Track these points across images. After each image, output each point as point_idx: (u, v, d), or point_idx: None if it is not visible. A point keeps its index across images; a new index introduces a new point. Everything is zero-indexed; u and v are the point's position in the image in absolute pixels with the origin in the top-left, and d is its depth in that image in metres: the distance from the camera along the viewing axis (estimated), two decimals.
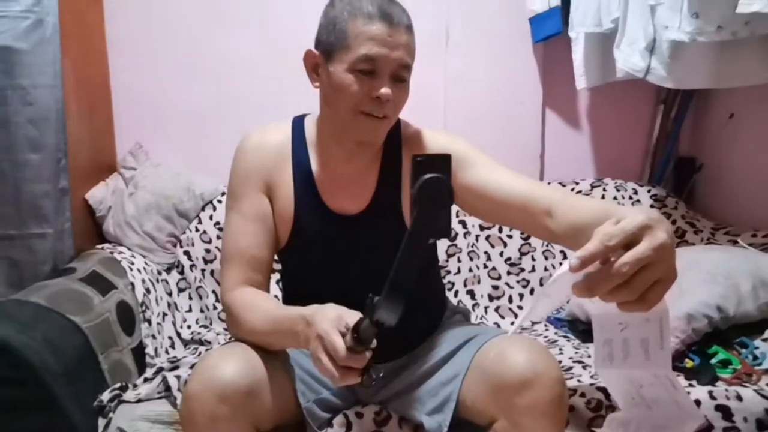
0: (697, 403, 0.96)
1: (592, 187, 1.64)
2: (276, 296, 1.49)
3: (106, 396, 1.07)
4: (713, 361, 1.07)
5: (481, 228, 1.59)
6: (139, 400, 1.08)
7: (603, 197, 1.61)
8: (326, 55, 0.87)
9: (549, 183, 1.66)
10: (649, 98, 1.72)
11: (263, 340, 0.87)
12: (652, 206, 1.58)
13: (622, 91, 1.66)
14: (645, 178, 1.72)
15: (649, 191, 1.62)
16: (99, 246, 1.50)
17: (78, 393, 1.01)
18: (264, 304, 0.89)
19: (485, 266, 1.57)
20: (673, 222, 1.56)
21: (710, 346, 1.10)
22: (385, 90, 0.83)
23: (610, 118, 1.73)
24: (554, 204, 0.80)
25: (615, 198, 1.61)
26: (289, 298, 1.05)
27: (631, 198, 1.61)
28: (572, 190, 1.63)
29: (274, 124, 0.99)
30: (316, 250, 0.96)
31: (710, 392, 0.98)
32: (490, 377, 0.82)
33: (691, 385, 1.03)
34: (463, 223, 1.59)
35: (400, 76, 0.86)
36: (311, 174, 0.95)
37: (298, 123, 0.98)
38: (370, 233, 0.93)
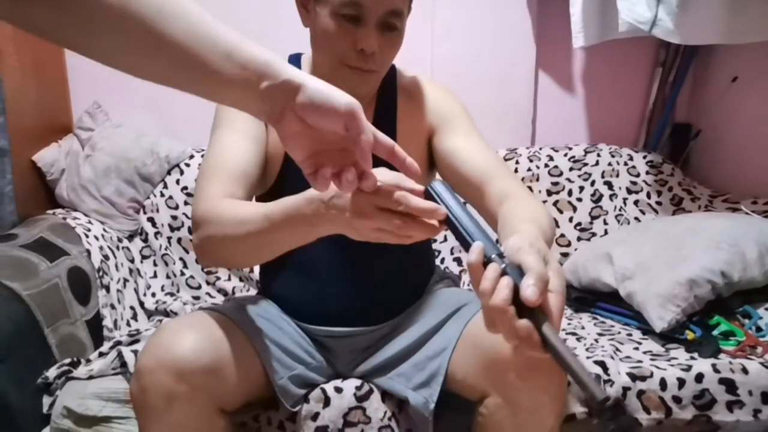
0: (700, 376, 0.92)
1: (586, 152, 1.56)
2: None
3: (52, 372, 0.97)
4: (715, 332, 1.02)
5: None
6: (91, 377, 0.97)
7: (597, 163, 1.54)
8: None
9: (541, 148, 1.57)
10: (646, 61, 1.63)
11: (253, 243, 0.69)
12: (647, 173, 1.52)
13: (619, 53, 1.58)
14: (640, 144, 1.65)
15: (644, 157, 1.55)
16: (50, 211, 1.37)
17: (14, 370, 0.90)
18: (252, 207, 0.72)
19: None
20: (670, 189, 1.50)
21: (712, 317, 1.04)
22: (369, 43, 0.76)
23: (605, 82, 1.64)
24: (505, 200, 0.78)
25: (609, 164, 1.53)
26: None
27: (626, 164, 1.54)
28: (565, 156, 1.55)
29: None
30: None
31: (713, 365, 0.94)
32: (483, 350, 0.75)
33: (692, 358, 0.98)
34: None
35: (389, 24, 0.77)
36: None
37: (294, 62, 0.90)
38: None
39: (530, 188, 1.49)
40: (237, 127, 0.83)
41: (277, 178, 0.88)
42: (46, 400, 0.95)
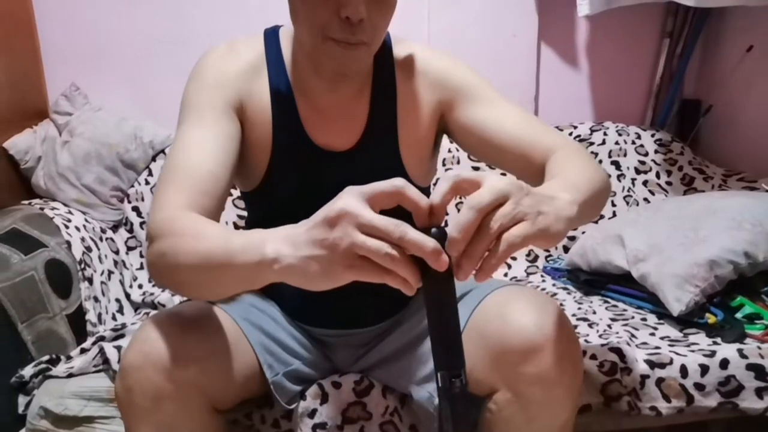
0: (725, 362, 0.87)
1: (592, 131, 1.50)
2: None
3: (28, 371, 0.91)
4: (739, 315, 0.96)
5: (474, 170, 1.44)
6: (71, 375, 0.91)
7: (604, 142, 1.48)
8: None
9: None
10: (653, 31, 1.57)
11: (206, 278, 0.58)
12: (656, 152, 1.46)
13: (625, 23, 1.52)
14: (647, 121, 1.59)
15: (652, 135, 1.49)
16: (26, 202, 1.29)
17: None
18: (213, 230, 0.59)
19: None
20: (680, 168, 1.45)
21: (734, 298, 0.98)
22: (354, 8, 0.64)
23: (610, 54, 1.58)
24: (552, 153, 0.73)
25: (617, 143, 1.47)
26: None
27: (634, 143, 1.48)
28: (570, 134, 1.49)
29: (242, 39, 0.79)
30: (294, 191, 0.79)
31: (740, 350, 0.89)
32: (491, 342, 0.68)
33: (715, 343, 0.93)
34: (443, 162, 1.43)
35: None
36: (293, 100, 0.76)
37: (271, 38, 0.79)
38: (362, 172, 0.73)
39: None
40: (205, 121, 0.72)
41: (266, 173, 0.78)
42: (22, 400, 0.89)
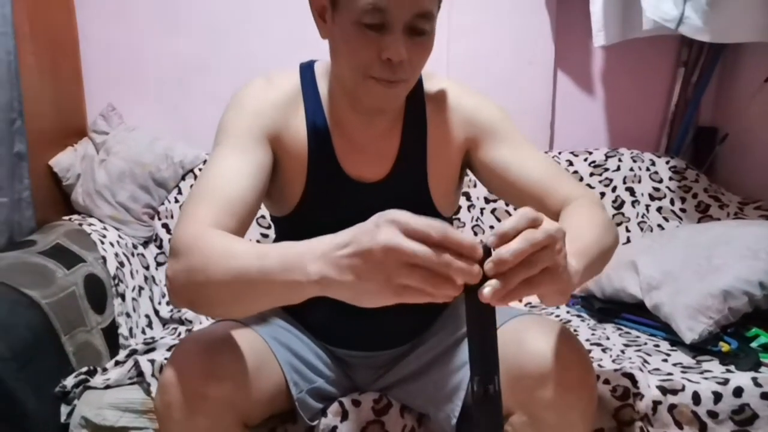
0: (739, 390, 0.89)
1: (607, 157, 1.53)
2: None
3: (70, 381, 0.96)
4: (754, 344, 0.97)
5: (486, 201, 1.49)
6: (108, 386, 0.96)
7: (618, 168, 1.50)
8: (332, 0, 0.71)
9: (560, 153, 1.55)
10: (668, 60, 1.60)
11: (238, 287, 0.58)
12: (671, 179, 1.48)
13: (640, 53, 1.55)
14: (662, 149, 1.62)
15: (667, 162, 1.51)
16: (66, 217, 1.36)
17: (32, 378, 0.89)
18: (244, 247, 0.60)
19: None
20: (695, 195, 1.46)
21: (749, 329, 1.00)
22: (396, 51, 0.68)
23: (625, 83, 1.61)
24: (569, 202, 0.76)
25: (631, 169, 1.50)
26: None
27: (648, 170, 1.50)
28: (585, 160, 1.52)
29: (278, 72, 0.83)
30: (326, 218, 0.82)
31: (754, 379, 0.90)
32: (508, 367, 0.71)
33: (728, 371, 0.94)
34: (467, 196, 1.48)
35: (418, 29, 0.70)
36: (328, 133, 0.81)
37: (307, 73, 0.83)
38: (391, 202, 0.79)
39: None
40: (240, 147, 0.74)
41: (299, 201, 0.82)
42: (64, 409, 0.94)
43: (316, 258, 0.52)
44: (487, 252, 0.50)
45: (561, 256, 0.53)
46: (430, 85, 0.84)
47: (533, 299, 1.37)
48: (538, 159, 0.82)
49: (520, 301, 1.37)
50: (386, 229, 0.48)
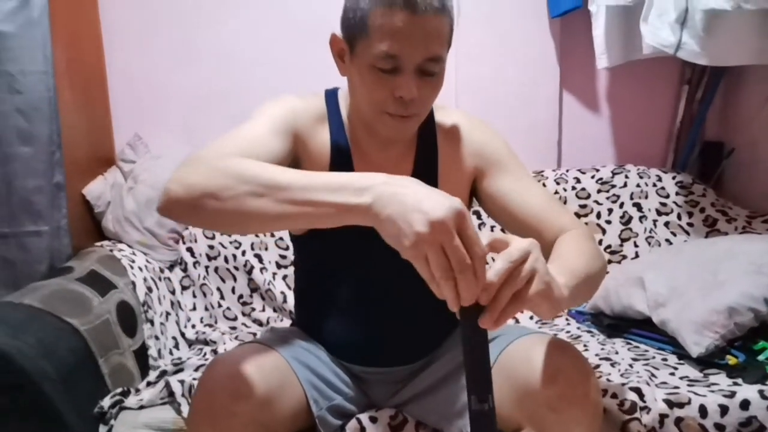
0: (746, 403, 0.90)
1: (614, 174, 1.56)
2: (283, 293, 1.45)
3: (107, 402, 1.02)
4: (761, 357, 0.99)
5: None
6: (142, 407, 1.02)
7: (625, 185, 1.53)
8: (350, 45, 0.79)
9: (567, 170, 1.58)
10: (672, 78, 1.63)
11: (264, 198, 0.60)
12: (677, 194, 1.50)
13: (644, 71, 1.58)
14: (668, 164, 1.64)
15: (674, 178, 1.53)
16: (98, 243, 1.44)
17: (76, 399, 0.95)
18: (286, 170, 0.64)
19: None
20: (702, 210, 1.48)
21: (756, 342, 1.02)
22: (408, 90, 0.75)
23: (631, 101, 1.65)
24: (563, 233, 0.82)
25: (638, 185, 1.53)
26: (304, 293, 0.99)
27: (655, 185, 1.53)
28: (592, 177, 1.55)
29: (305, 95, 0.90)
30: (343, 236, 0.86)
31: (761, 392, 0.91)
32: (516, 382, 0.76)
33: (735, 384, 0.96)
34: (477, 214, 1.52)
35: (428, 71, 0.76)
36: (349, 152, 0.87)
37: (331, 98, 0.90)
38: None
39: None
40: (271, 125, 0.79)
41: None
42: (102, 429, 1.00)
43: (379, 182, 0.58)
44: None
45: (539, 263, 0.59)
46: (441, 117, 0.91)
47: None
48: (538, 193, 0.88)
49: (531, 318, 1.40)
50: (451, 211, 0.54)
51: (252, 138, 0.75)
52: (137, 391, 1.09)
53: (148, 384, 1.11)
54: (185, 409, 0.99)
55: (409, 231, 0.54)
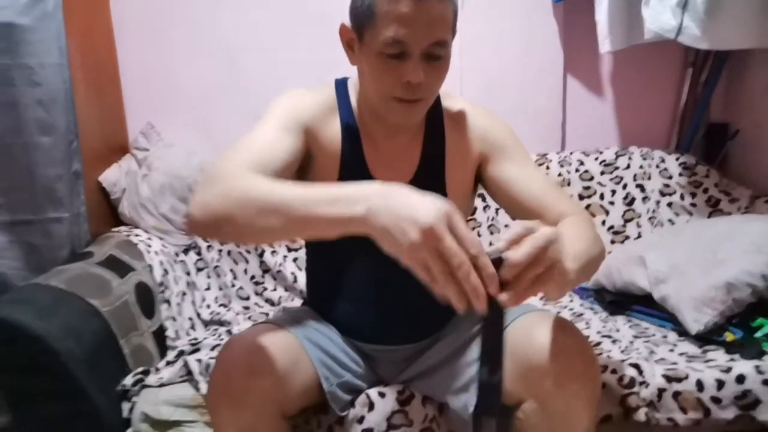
0: (741, 377, 0.93)
1: (617, 156, 1.57)
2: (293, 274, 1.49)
3: (129, 380, 1.07)
4: (758, 334, 1.01)
5: None
6: (162, 385, 1.07)
7: (628, 166, 1.55)
8: (358, 34, 0.81)
9: (571, 153, 1.60)
10: (676, 61, 1.63)
11: (272, 216, 0.64)
12: (680, 174, 1.52)
13: (648, 54, 1.58)
14: (672, 146, 1.65)
15: (677, 159, 1.54)
16: (115, 229, 1.49)
17: (100, 378, 1.00)
18: (289, 186, 0.68)
19: None
20: (705, 190, 1.48)
21: (754, 319, 1.04)
22: (415, 75, 0.78)
23: (635, 84, 1.65)
24: (564, 218, 0.84)
25: (641, 167, 1.54)
26: (315, 274, 1.02)
27: (658, 167, 1.54)
28: (596, 159, 1.57)
29: (315, 86, 0.93)
30: None
31: (757, 367, 0.94)
32: (519, 358, 0.79)
33: (732, 360, 0.99)
34: (482, 197, 1.55)
35: (434, 55, 0.79)
36: (359, 139, 0.90)
37: (341, 87, 0.93)
38: None
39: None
40: (281, 126, 0.83)
41: None
42: (125, 406, 1.05)
43: (371, 195, 0.61)
44: (499, 261, 0.59)
45: (561, 252, 0.63)
46: (448, 104, 0.94)
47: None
48: (540, 179, 0.91)
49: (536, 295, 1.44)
50: (439, 214, 0.57)
51: (263, 145, 0.80)
52: (157, 370, 1.13)
53: (167, 363, 1.16)
54: (203, 386, 1.04)
55: (404, 240, 0.57)
